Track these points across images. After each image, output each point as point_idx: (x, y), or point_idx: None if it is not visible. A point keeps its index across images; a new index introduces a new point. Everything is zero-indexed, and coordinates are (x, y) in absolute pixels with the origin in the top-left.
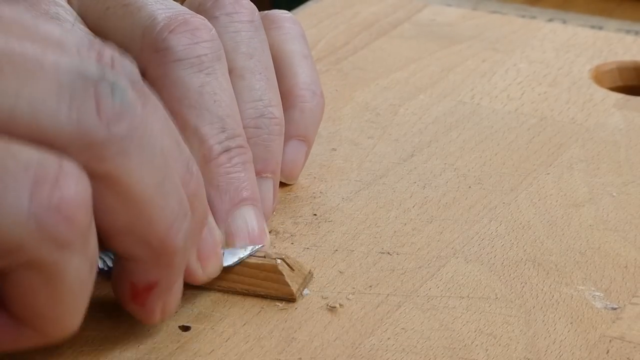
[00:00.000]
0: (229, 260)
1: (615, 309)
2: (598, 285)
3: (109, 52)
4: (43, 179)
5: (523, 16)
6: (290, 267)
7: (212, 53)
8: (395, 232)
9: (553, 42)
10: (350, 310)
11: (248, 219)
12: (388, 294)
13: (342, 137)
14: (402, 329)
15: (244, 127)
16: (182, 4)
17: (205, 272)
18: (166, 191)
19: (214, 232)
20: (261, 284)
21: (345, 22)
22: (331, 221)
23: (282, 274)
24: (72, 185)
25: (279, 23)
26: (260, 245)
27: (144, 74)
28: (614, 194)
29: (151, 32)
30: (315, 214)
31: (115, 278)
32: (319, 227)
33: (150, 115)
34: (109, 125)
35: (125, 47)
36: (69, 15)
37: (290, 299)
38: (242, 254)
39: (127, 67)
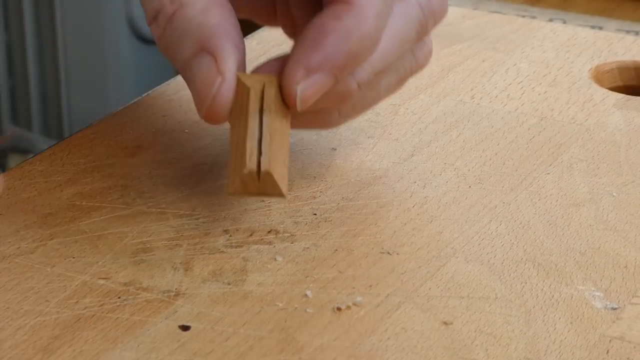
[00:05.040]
0: None
1: (615, 309)
2: (598, 285)
3: None
4: None
5: (523, 16)
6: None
7: None
8: (395, 231)
9: (553, 42)
10: (350, 310)
11: None
12: (388, 294)
13: (342, 136)
14: (402, 328)
15: None
16: None
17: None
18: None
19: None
20: None
21: None
22: (331, 221)
23: None
24: None
25: None
26: None
27: None
28: (614, 194)
29: None
30: (315, 214)
31: None
32: (319, 226)
33: None
34: None
35: None
36: None
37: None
38: None
39: None
